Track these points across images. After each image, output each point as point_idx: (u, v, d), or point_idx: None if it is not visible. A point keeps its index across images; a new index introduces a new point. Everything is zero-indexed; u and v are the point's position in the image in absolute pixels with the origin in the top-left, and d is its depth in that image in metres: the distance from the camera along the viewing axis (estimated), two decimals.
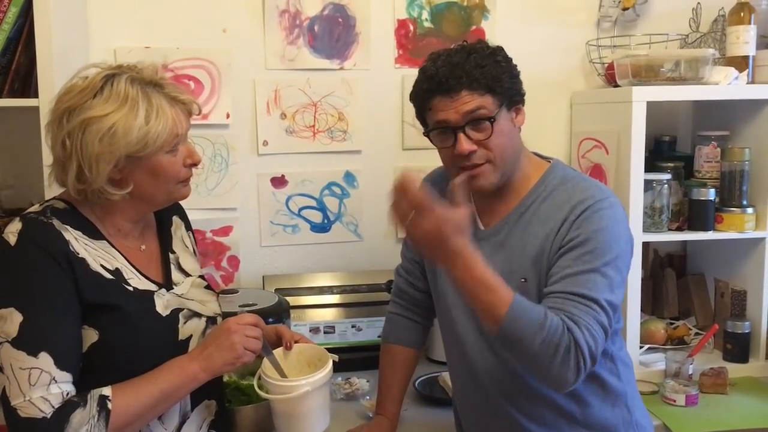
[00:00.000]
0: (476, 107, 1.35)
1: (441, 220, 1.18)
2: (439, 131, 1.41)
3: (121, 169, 1.22)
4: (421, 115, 1.45)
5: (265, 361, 1.36)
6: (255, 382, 1.40)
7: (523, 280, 1.39)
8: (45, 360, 1.14)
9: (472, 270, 1.22)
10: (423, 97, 1.41)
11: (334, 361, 1.39)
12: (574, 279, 1.30)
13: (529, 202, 1.42)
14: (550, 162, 1.49)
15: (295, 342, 1.43)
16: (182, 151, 1.29)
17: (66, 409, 1.13)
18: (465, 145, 1.37)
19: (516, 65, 1.43)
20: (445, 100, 1.37)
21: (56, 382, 1.14)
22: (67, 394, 1.15)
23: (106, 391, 1.16)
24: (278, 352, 1.40)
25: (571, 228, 1.34)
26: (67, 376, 1.15)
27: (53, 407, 1.12)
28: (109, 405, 1.15)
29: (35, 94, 1.65)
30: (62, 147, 1.21)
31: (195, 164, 1.32)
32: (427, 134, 1.45)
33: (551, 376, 1.25)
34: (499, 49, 1.42)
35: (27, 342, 1.14)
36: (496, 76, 1.37)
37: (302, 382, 1.32)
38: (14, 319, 1.14)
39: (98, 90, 1.21)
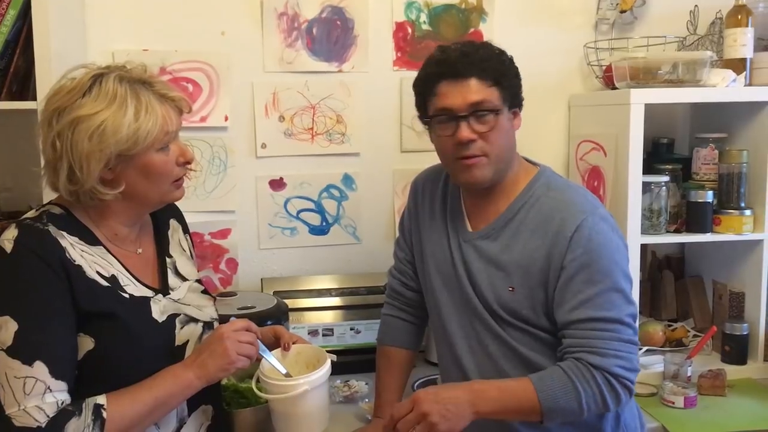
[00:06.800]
0: (483, 99, 1.37)
1: (424, 397, 1.29)
2: (442, 118, 1.41)
3: (112, 168, 1.22)
4: (424, 101, 1.45)
5: (264, 361, 1.36)
6: (253, 383, 1.40)
7: (510, 288, 1.40)
8: (40, 369, 1.13)
9: (487, 394, 1.32)
10: (430, 81, 1.41)
11: (332, 361, 1.39)
12: (592, 303, 1.34)
13: (516, 208, 1.43)
14: (538, 168, 1.49)
15: (293, 343, 1.43)
16: (174, 149, 1.28)
17: (61, 418, 1.13)
18: (465, 132, 1.37)
19: (518, 71, 1.46)
20: (453, 85, 1.38)
21: (51, 391, 1.14)
22: (62, 402, 1.14)
23: (101, 399, 1.16)
24: (276, 353, 1.40)
25: (569, 247, 1.35)
26: (62, 385, 1.15)
27: (48, 416, 1.12)
28: (104, 413, 1.15)
29: (33, 97, 1.65)
30: (52, 148, 1.20)
31: (188, 162, 1.31)
32: (427, 121, 1.45)
33: (611, 408, 1.36)
34: (505, 52, 1.45)
35: (22, 351, 1.13)
36: (503, 72, 1.40)
37: (301, 381, 1.32)
38: (9, 327, 1.14)
39: (87, 89, 1.20)
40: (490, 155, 1.40)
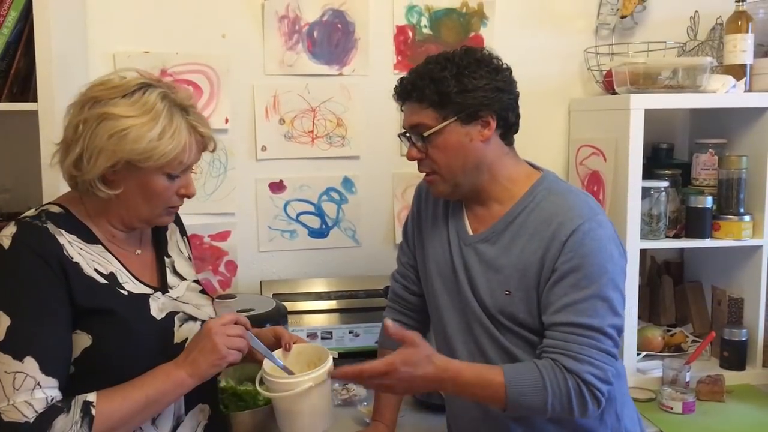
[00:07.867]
0: (418, 122, 1.41)
1: (400, 371, 1.28)
2: (402, 137, 1.48)
3: (117, 171, 1.23)
4: None
5: (266, 361, 1.37)
6: (257, 382, 1.40)
7: (507, 292, 1.40)
8: (30, 365, 1.14)
9: (456, 380, 1.32)
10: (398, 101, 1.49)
11: (333, 358, 1.39)
12: (575, 308, 1.33)
13: (516, 212, 1.43)
14: (541, 172, 1.49)
15: (294, 343, 1.43)
16: (180, 180, 1.29)
17: (49, 414, 1.13)
18: (410, 152, 1.45)
19: (496, 79, 1.39)
20: (404, 106, 1.46)
21: (41, 387, 1.14)
22: (52, 399, 1.15)
23: (91, 397, 1.16)
24: (277, 354, 1.40)
25: (562, 250, 1.34)
26: (52, 382, 1.15)
27: (36, 412, 1.12)
28: (93, 411, 1.15)
29: (34, 99, 1.65)
30: (74, 130, 1.23)
31: (188, 196, 1.32)
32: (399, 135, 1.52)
33: (576, 415, 1.34)
34: (485, 62, 1.40)
35: (13, 346, 1.14)
36: (444, 91, 1.37)
37: (305, 378, 1.32)
38: (2, 322, 1.14)
39: (129, 92, 1.23)
40: (439, 172, 1.43)
